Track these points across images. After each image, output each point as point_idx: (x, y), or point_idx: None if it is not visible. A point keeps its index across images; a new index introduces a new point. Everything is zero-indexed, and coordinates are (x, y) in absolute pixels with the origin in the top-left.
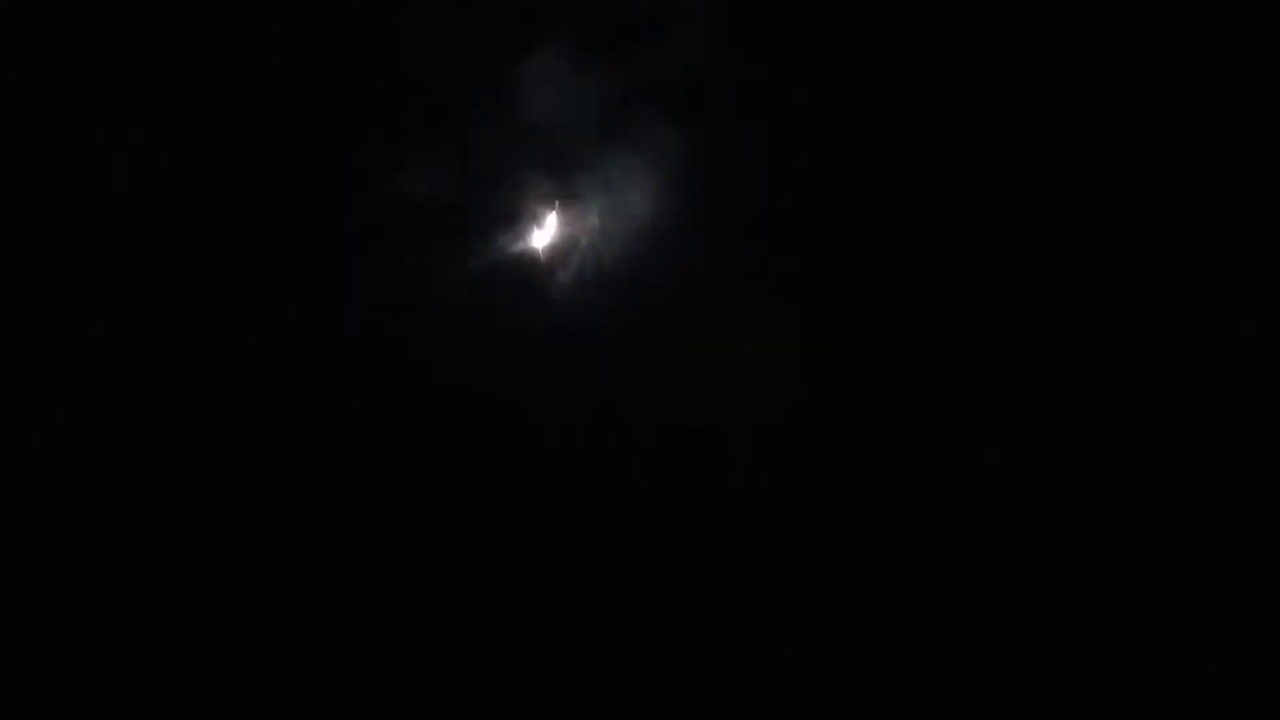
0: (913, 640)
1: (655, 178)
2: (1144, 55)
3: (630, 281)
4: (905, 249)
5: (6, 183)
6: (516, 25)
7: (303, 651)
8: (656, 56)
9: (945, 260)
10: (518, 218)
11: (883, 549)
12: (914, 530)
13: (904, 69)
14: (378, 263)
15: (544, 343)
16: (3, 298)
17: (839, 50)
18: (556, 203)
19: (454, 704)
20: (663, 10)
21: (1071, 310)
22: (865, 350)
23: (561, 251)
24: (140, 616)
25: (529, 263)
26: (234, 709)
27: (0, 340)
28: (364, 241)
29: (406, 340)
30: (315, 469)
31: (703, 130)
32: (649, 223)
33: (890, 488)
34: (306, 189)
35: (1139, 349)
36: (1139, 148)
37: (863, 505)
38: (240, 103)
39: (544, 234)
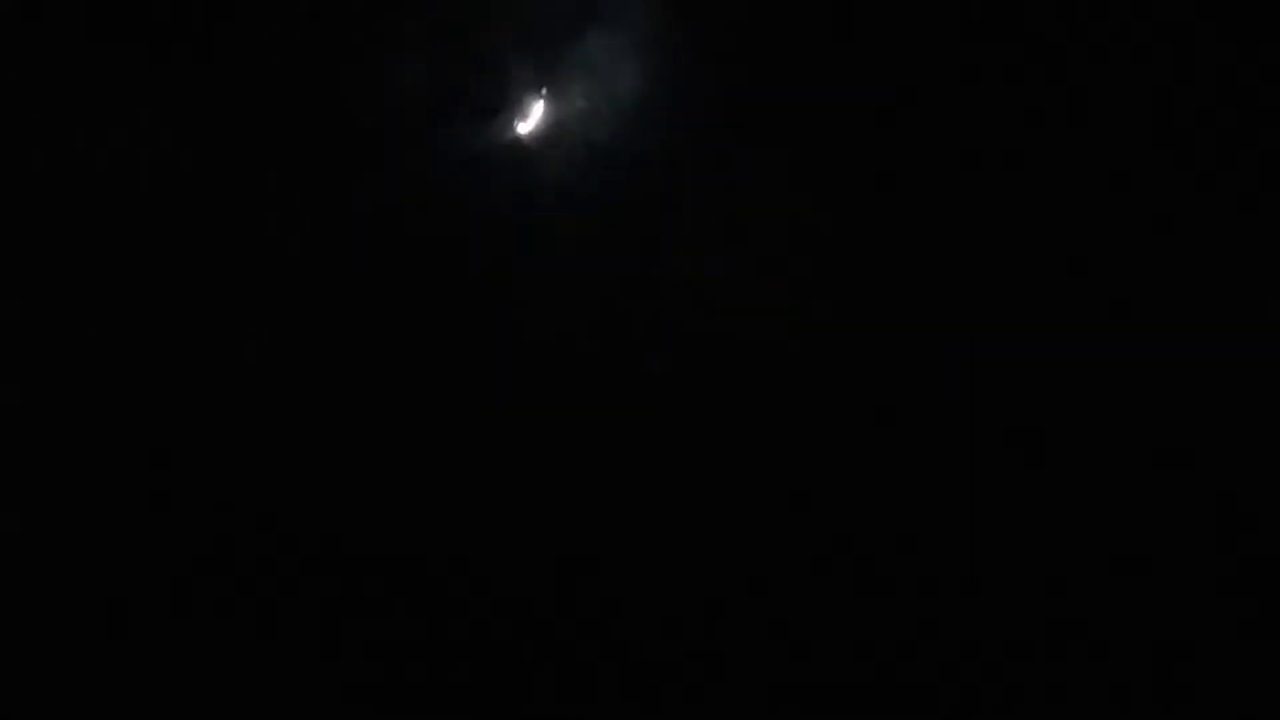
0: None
1: (641, 56)
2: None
3: (623, 162)
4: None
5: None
6: None
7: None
8: None
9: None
10: (501, 107)
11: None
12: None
13: None
14: (359, 160)
15: (535, 231)
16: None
17: None
18: (543, 89)
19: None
20: None
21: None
22: (883, 215)
23: (549, 138)
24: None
25: (516, 151)
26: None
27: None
28: (346, 140)
29: (397, 236)
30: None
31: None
32: (637, 102)
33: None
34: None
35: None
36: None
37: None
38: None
39: (529, 122)
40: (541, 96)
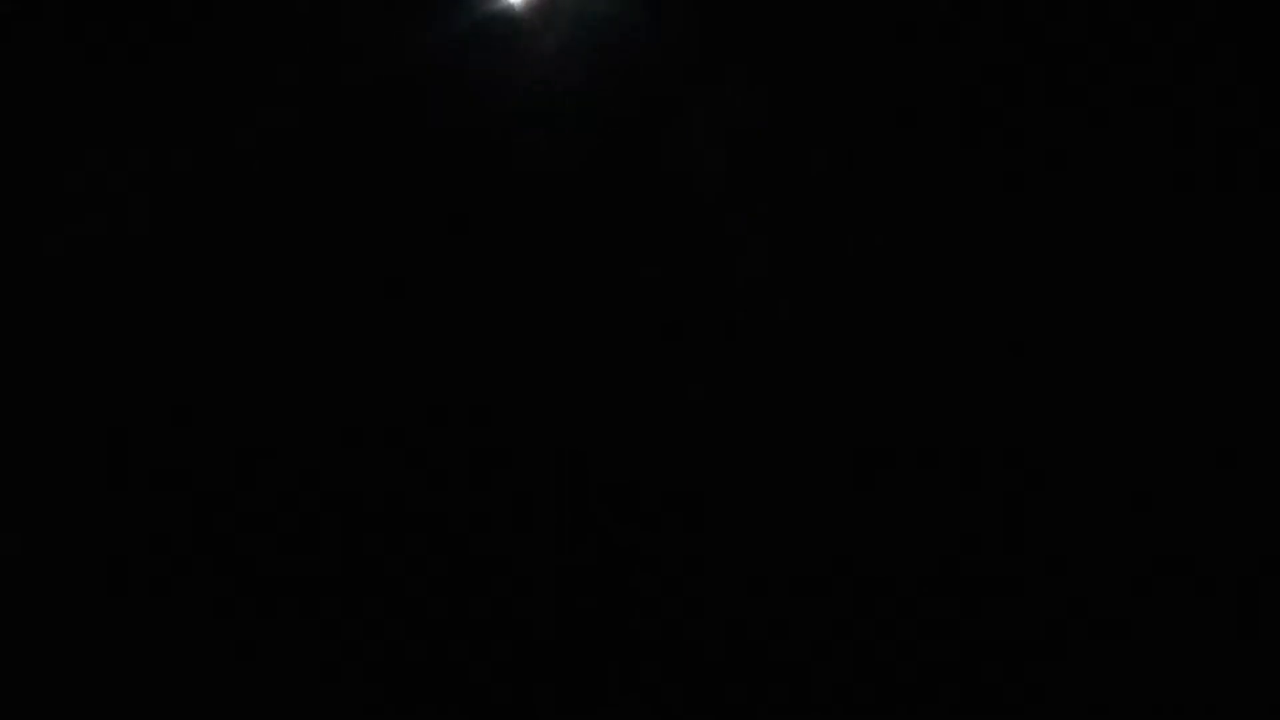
0: None
1: None
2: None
3: (622, 40)
4: None
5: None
6: None
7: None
8: None
9: None
10: None
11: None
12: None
13: None
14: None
15: (532, 110)
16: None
17: None
18: None
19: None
20: None
21: None
22: (888, 108)
23: (543, 10)
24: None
25: (506, 25)
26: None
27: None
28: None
29: (374, 135)
30: None
31: None
32: None
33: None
34: None
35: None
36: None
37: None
38: None
39: None
40: None
